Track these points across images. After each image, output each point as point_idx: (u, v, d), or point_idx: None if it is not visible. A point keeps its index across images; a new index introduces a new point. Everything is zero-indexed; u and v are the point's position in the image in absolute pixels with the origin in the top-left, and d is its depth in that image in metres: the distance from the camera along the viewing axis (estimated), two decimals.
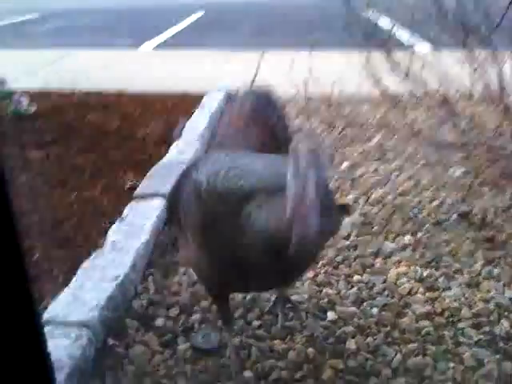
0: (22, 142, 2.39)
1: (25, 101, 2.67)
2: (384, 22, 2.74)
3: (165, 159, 2.25)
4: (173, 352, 1.29)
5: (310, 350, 1.28)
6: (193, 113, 2.89)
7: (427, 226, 1.75)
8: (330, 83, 2.92)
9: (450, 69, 2.06)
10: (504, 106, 1.80)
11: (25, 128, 2.56)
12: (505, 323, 1.34)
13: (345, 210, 1.50)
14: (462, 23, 1.89)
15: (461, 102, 2.38)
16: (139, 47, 5.29)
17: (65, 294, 1.33)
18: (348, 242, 1.67)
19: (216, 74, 3.81)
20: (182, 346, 1.30)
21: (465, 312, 1.38)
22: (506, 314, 1.37)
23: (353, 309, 1.40)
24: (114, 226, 1.64)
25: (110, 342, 1.29)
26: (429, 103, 2.23)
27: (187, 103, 3.10)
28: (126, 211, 1.72)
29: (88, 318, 1.27)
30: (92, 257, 1.51)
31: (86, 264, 1.48)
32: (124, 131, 2.69)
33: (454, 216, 1.79)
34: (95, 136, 2.60)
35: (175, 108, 3.09)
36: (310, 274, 1.51)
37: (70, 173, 2.11)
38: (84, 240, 1.62)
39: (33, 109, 2.67)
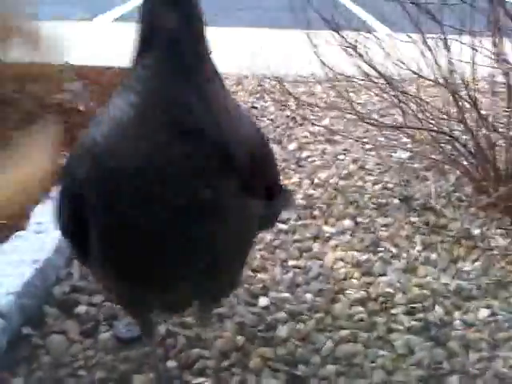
0: None
1: None
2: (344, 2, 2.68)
3: None
4: (93, 341, 1.22)
5: (239, 337, 1.23)
6: None
7: (368, 210, 1.72)
8: (285, 62, 2.86)
9: (404, 51, 2.01)
10: (452, 89, 1.77)
11: None
12: (438, 310, 1.32)
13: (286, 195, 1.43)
14: (415, 4, 1.84)
15: (412, 85, 2.36)
16: (94, 19, 5.09)
17: None
18: (287, 226, 1.62)
19: None
20: (104, 334, 1.23)
21: (399, 298, 1.35)
22: (440, 300, 1.35)
23: (286, 294, 1.36)
24: (38, 207, 1.55)
25: (26, 330, 1.21)
26: (380, 85, 2.19)
27: None
28: (54, 191, 1.62)
29: (1, 304, 1.18)
30: (12, 239, 1.42)
31: (4, 247, 1.39)
32: (65, 105, 2.57)
33: (396, 200, 1.77)
34: (33, 109, 2.46)
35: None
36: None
37: (2, 148, 1.98)
38: (6, 221, 1.52)
39: None
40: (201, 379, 1.13)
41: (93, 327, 1.25)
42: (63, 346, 1.20)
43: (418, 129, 1.91)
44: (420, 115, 1.89)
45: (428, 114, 1.90)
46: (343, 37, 2.07)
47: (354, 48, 2.00)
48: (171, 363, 1.16)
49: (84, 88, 2.77)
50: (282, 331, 1.25)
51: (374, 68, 1.99)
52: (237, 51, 2.90)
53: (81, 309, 1.29)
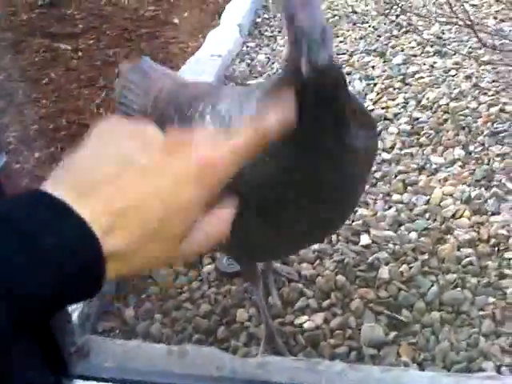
0: (52, 32, 2.28)
1: None
2: None
3: (199, 53, 2.09)
4: (197, 274, 1.26)
5: (340, 276, 1.22)
6: None
7: (481, 137, 1.57)
8: None
9: None
10: None
11: (55, 16, 2.43)
12: None
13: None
14: None
15: None
16: None
17: None
18: (390, 156, 1.53)
19: None
20: (207, 267, 1.26)
21: None
22: None
23: (389, 232, 1.31)
24: None
25: None
26: None
27: None
28: None
29: None
30: None
31: None
32: (159, 18, 2.52)
33: None
34: (129, 24, 2.44)
35: None
36: None
37: (100, 69, 2.00)
38: None
39: None
40: (303, 318, 1.15)
41: (197, 259, 1.28)
42: (170, 277, 1.25)
43: None
44: None
45: None
46: None
47: None
48: (273, 299, 1.18)
49: None
50: (385, 272, 1.21)
51: None
52: None
53: None
